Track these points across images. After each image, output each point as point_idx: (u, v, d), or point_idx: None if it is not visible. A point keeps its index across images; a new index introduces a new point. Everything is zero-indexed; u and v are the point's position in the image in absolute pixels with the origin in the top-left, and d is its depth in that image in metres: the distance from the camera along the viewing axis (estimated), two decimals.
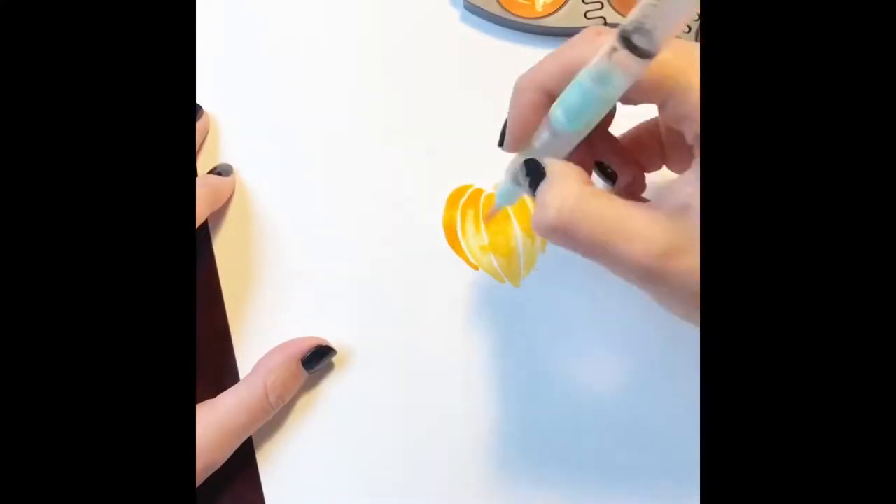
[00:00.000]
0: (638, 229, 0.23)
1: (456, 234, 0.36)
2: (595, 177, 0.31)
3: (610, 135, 0.30)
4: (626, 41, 0.21)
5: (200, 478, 0.31)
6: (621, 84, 0.23)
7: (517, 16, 0.39)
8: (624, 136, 0.31)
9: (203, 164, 0.38)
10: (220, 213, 0.37)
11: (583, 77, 0.23)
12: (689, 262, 0.23)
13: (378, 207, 0.37)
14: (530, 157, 0.26)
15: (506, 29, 0.39)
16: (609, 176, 0.31)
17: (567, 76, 0.25)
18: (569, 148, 0.26)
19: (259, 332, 0.35)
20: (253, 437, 0.33)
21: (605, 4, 0.38)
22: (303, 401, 0.34)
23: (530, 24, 0.39)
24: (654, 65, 0.22)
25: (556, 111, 0.25)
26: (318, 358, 0.33)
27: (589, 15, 0.38)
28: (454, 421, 0.34)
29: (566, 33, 0.39)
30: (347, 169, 0.37)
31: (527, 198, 0.33)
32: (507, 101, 0.38)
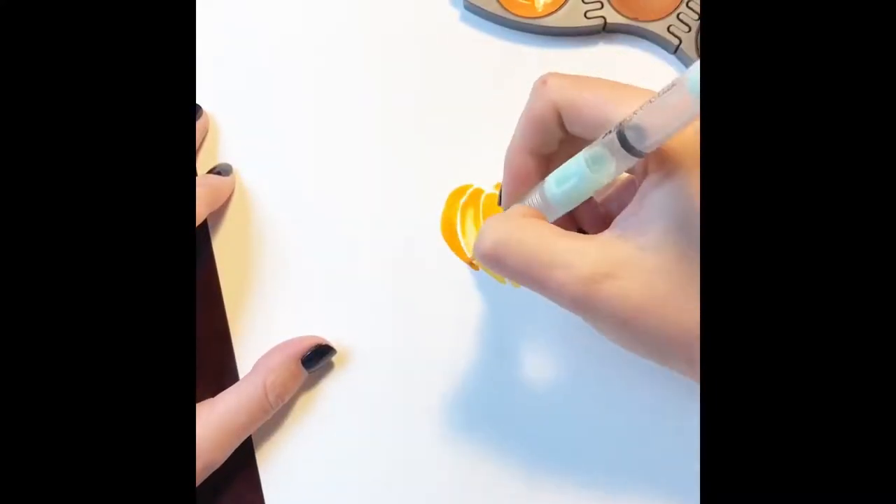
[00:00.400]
0: (563, 256, 0.24)
1: (456, 234, 0.36)
2: None
3: (592, 205, 0.31)
4: (622, 138, 0.23)
5: (200, 477, 0.31)
6: (612, 172, 0.25)
7: (517, 16, 0.39)
8: (606, 198, 0.32)
9: (203, 164, 0.38)
10: (219, 213, 0.37)
11: (580, 160, 0.25)
12: (614, 287, 0.23)
13: (378, 207, 0.37)
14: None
15: (506, 29, 0.39)
16: None
17: (537, 130, 0.27)
18: (556, 215, 0.27)
19: (259, 332, 0.35)
20: (253, 437, 0.33)
21: (605, 4, 0.38)
22: (302, 401, 0.34)
23: (530, 24, 0.39)
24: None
25: (552, 185, 0.26)
26: (317, 357, 0.33)
27: (589, 15, 0.38)
28: (454, 421, 0.34)
29: (566, 33, 0.39)
30: (347, 169, 0.37)
31: None
32: (507, 101, 0.38)
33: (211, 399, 0.32)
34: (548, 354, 0.34)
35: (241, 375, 0.34)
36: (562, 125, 0.27)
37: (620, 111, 0.24)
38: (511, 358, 0.34)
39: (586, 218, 0.31)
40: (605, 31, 0.39)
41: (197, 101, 0.38)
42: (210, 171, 0.37)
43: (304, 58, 0.39)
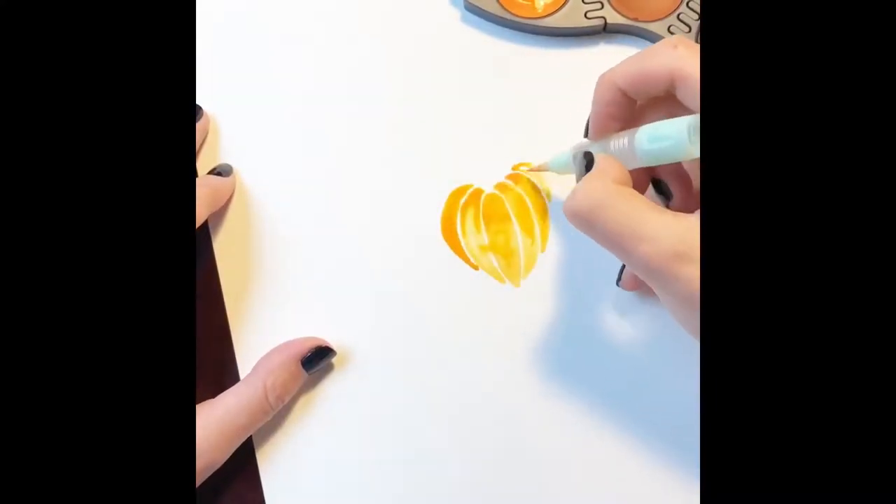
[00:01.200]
0: (650, 232, 0.25)
1: (456, 234, 0.36)
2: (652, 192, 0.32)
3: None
4: None
5: (200, 478, 0.31)
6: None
7: (517, 16, 0.39)
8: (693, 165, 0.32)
9: (203, 164, 0.38)
10: (220, 214, 0.37)
11: (682, 127, 0.25)
12: (690, 269, 0.24)
13: (378, 207, 0.37)
14: (592, 150, 0.29)
15: (506, 29, 0.39)
16: (664, 193, 0.32)
17: (641, 80, 0.27)
18: (637, 166, 0.28)
19: (259, 332, 0.35)
20: (253, 437, 0.33)
21: (606, 4, 0.38)
22: (303, 401, 0.34)
23: (530, 24, 0.39)
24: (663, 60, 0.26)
25: (644, 141, 0.27)
26: (317, 359, 0.33)
27: (589, 15, 0.38)
28: (454, 421, 0.34)
29: (566, 33, 0.39)
30: (347, 169, 0.37)
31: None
32: (507, 101, 0.38)
33: (211, 400, 0.32)
34: (548, 355, 0.34)
35: (241, 375, 0.34)
36: (668, 91, 0.27)
37: None
38: (511, 358, 0.34)
39: (665, 169, 0.31)
40: (606, 31, 0.39)
41: (197, 102, 0.38)
42: (210, 172, 0.37)
43: (305, 58, 0.39)
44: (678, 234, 0.25)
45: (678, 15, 0.38)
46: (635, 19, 0.38)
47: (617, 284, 0.34)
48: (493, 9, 0.39)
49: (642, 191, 0.31)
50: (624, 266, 0.33)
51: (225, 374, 0.35)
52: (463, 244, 0.36)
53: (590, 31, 0.39)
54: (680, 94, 0.27)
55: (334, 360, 0.34)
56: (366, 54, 0.39)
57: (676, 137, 0.26)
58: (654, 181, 0.32)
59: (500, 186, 0.37)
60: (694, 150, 0.25)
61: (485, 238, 0.36)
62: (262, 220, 0.37)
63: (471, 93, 0.38)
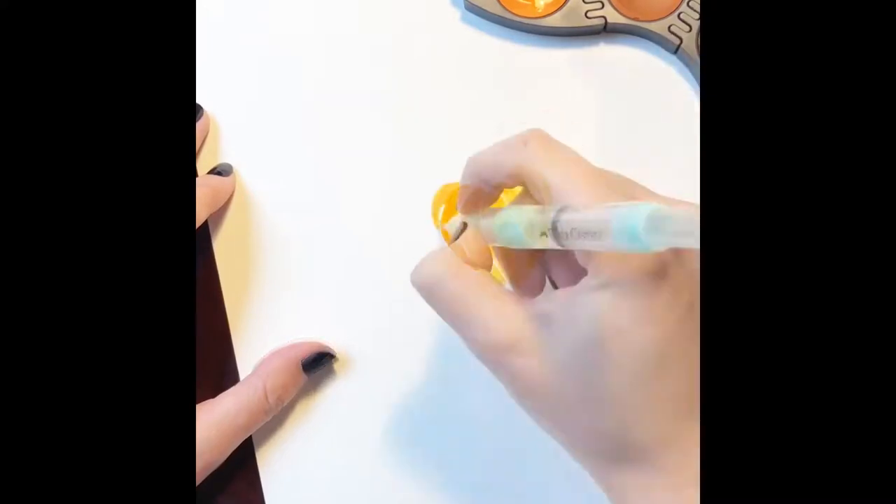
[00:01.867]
0: (481, 319, 0.25)
1: None
2: None
3: (563, 257, 0.29)
4: (554, 226, 0.22)
5: (200, 477, 0.31)
6: (544, 245, 0.24)
7: (517, 16, 0.39)
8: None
9: (203, 164, 0.38)
10: (220, 214, 0.37)
11: (516, 224, 0.25)
12: (519, 363, 0.24)
13: (378, 207, 0.37)
14: (466, 221, 0.28)
15: (506, 29, 0.39)
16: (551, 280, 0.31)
17: (494, 173, 0.26)
18: (497, 245, 0.27)
19: (259, 332, 0.35)
20: (253, 437, 0.33)
21: (606, 4, 0.38)
22: (303, 401, 0.34)
23: (530, 24, 0.39)
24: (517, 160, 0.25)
25: (493, 228, 0.26)
26: (318, 363, 0.33)
27: (589, 15, 0.38)
28: (453, 422, 0.34)
29: (567, 33, 0.39)
30: (347, 169, 0.37)
31: None
32: (507, 101, 0.38)
33: (210, 401, 0.32)
34: None
35: (241, 376, 0.34)
36: (522, 184, 0.26)
37: (574, 200, 0.23)
38: None
39: (556, 271, 0.29)
40: (606, 31, 0.39)
41: (198, 102, 0.38)
42: (210, 172, 0.37)
43: (305, 57, 0.39)
44: (513, 323, 0.24)
45: (679, 14, 0.38)
46: (636, 19, 0.38)
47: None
48: (494, 8, 0.39)
49: (539, 286, 0.29)
50: None
51: (225, 374, 0.35)
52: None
53: (590, 31, 0.39)
54: (532, 191, 0.26)
55: (337, 366, 0.34)
56: (366, 54, 0.39)
57: (516, 229, 0.25)
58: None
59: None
60: (531, 243, 0.24)
61: None
62: (263, 220, 0.37)
63: (470, 92, 0.38)
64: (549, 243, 0.23)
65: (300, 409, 0.34)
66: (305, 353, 0.33)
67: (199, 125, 0.37)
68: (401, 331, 0.35)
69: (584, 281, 0.23)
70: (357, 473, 0.33)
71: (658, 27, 0.38)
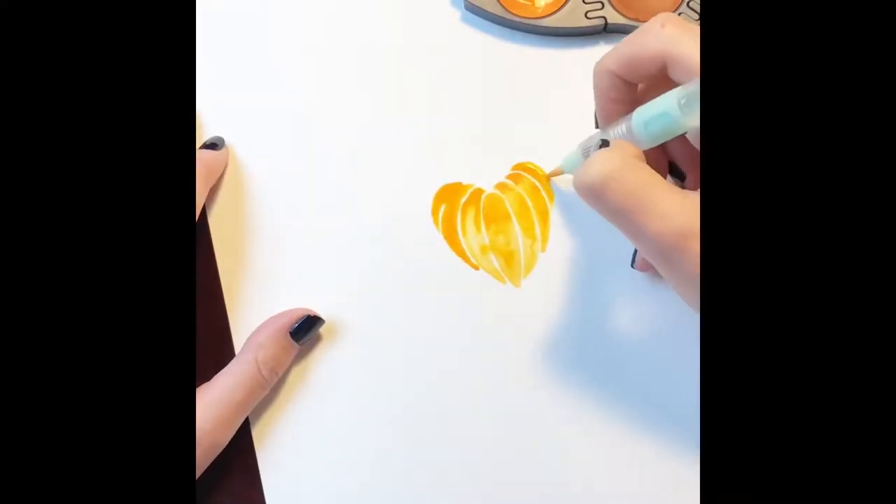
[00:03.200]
0: (660, 207, 0.24)
1: (456, 234, 0.36)
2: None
3: (684, 139, 0.31)
4: None
5: (205, 460, 0.31)
6: (699, 117, 0.24)
7: (517, 16, 0.39)
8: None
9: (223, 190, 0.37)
10: (220, 210, 0.37)
11: (672, 101, 0.25)
12: (700, 247, 0.24)
13: (378, 207, 0.37)
14: (606, 138, 0.28)
15: (506, 29, 0.39)
16: (679, 175, 0.32)
17: (634, 65, 0.27)
18: (641, 148, 0.27)
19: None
20: (253, 435, 0.33)
21: (606, 4, 0.38)
22: (303, 400, 0.34)
23: (530, 24, 0.39)
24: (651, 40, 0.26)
25: (640, 124, 0.27)
26: (306, 328, 0.33)
27: (589, 15, 0.38)
28: (454, 421, 0.34)
29: (567, 33, 0.39)
30: (348, 168, 0.37)
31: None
32: (507, 101, 0.38)
33: (206, 383, 0.32)
34: (548, 355, 0.34)
35: None
36: (662, 71, 0.27)
37: None
38: (511, 358, 0.34)
39: (677, 151, 0.31)
40: (606, 31, 0.39)
41: (219, 134, 0.37)
42: (203, 146, 0.36)
43: (304, 57, 0.39)
44: (689, 211, 0.24)
45: (679, 15, 0.38)
46: (636, 19, 0.38)
47: (631, 266, 0.34)
48: (494, 9, 0.39)
49: (662, 174, 0.31)
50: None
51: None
52: (463, 244, 0.36)
53: (590, 31, 0.39)
54: (672, 74, 0.26)
55: (336, 363, 0.34)
56: (366, 54, 0.39)
57: (668, 113, 0.25)
58: (670, 164, 0.32)
59: (501, 186, 0.37)
60: (688, 122, 0.25)
61: (485, 238, 0.36)
62: (263, 219, 0.37)
63: (470, 93, 0.38)
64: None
65: (300, 407, 0.34)
66: (292, 320, 0.33)
67: (217, 157, 0.36)
68: (401, 331, 0.35)
69: None
70: (357, 471, 0.33)
71: None
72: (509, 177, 0.37)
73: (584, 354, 0.34)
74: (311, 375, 0.34)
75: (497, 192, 0.37)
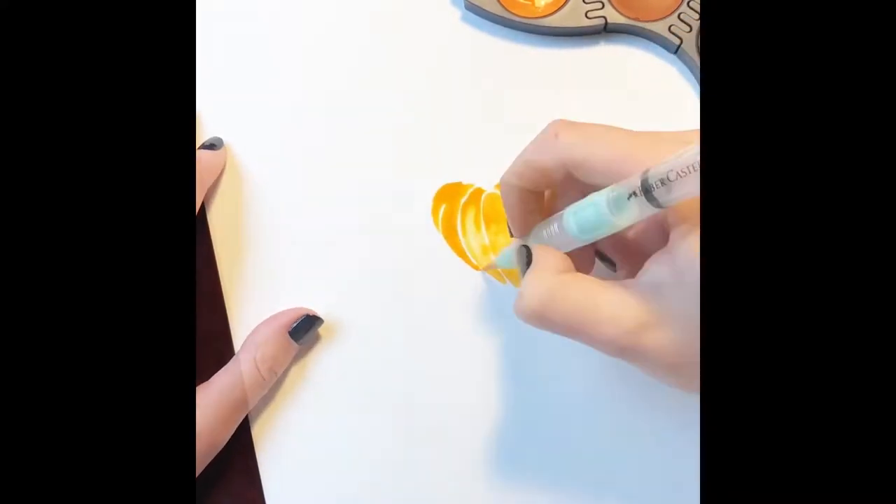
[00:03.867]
0: (605, 313, 0.25)
1: (457, 234, 0.36)
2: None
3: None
4: (646, 189, 0.23)
5: (204, 459, 0.31)
6: (632, 218, 0.24)
7: (517, 15, 0.39)
8: (631, 228, 0.31)
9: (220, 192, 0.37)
10: (220, 212, 0.37)
11: (601, 201, 0.25)
12: (658, 337, 0.24)
13: (378, 207, 0.37)
14: (526, 244, 0.28)
15: (506, 29, 0.39)
16: (610, 263, 0.32)
17: (538, 177, 0.27)
18: (572, 247, 0.27)
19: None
20: (253, 435, 0.33)
21: (606, 4, 0.38)
22: (303, 400, 0.34)
23: (530, 24, 0.39)
24: None
25: (571, 222, 0.26)
26: (305, 328, 0.33)
27: (590, 15, 0.38)
28: (456, 421, 0.34)
29: (567, 33, 0.39)
30: (349, 168, 0.37)
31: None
32: (508, 101, 0.38)
33: (205, 382, 0.32)
34: (549, 354, 0.34)
35: None
36: (568, 176, 0.26)
37: (638, 166, 0.23)
38: (512, 358, 0.34)
39: (607, 243, 0.31)
40: (606, 31, 0.39)
41: (218, 135, 0.38)
42: (201, 147, 0.36)
43: (305, 57, 0.39)
44: (634, 306, 0.24)
45: (679, 14, 0.38)
46: (636, 19, 0.38)
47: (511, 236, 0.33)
48: (494, 8, 0.39)
49: (591, 265, 0.31)
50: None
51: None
52: (464, 244, 0.36)
53: (590, 31, 0.39)
54: (582, 178, 0.26)
55: (335, 362, 0.34)
56: (366, 53, 0.39)
57: (598, 214, 0.25)
58: (598, 254, 0.31)
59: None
60: (618, 221, 0.24)
61: (485, 238, 0.36)
62: (263, 219, 0.37)
63: (471, 92, 0.38)
64: (635, 211, 0.23)
65: (301, 407, 0.34)
66: (291, 319, 0.33)
67: (215, 157, 0.36)
68: (402, 331, 0.35)
69: (674, 234, 0.24)
70: (357, 471, 0.33)
71: (658, 27, 0.38)
72: None
73: (584, 354, 0.34)
74: (311, 375, 0.34)
75: (497, 191, 0.37)
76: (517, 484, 0.33)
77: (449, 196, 0.37)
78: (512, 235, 0.30)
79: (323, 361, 0.34)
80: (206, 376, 0.32)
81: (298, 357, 0.35)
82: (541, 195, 0.29)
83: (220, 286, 0.36)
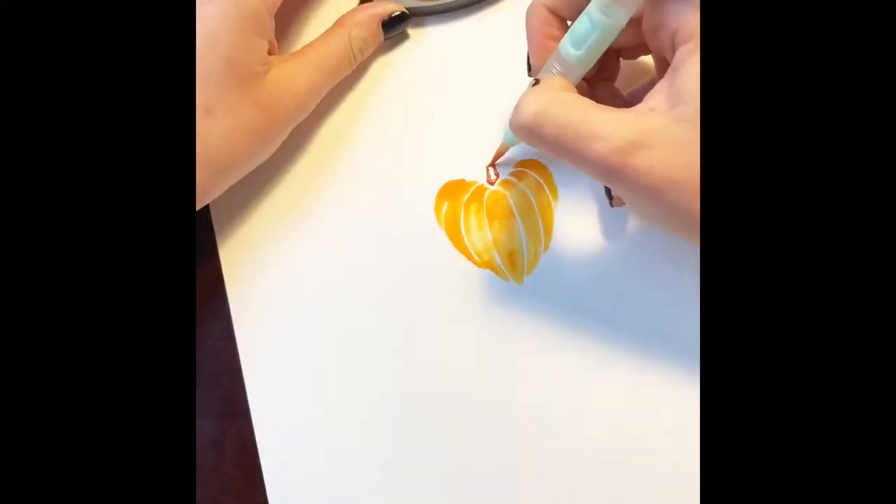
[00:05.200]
0: (597, 130, 0.25)
1: (459, 231, 0.36)
2: None
3: (614, 88, 0.32)
4: None
5: (297, 118, 0.34)
6: (626, 11, 0.25)
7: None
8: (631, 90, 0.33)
9: None
10: (222, 213, 0.37)
11: (590, 7, 0.26)
12: (648, 156, 0.24)
13: (379, 205, 0.37)
14: (537, 79, 0.28)
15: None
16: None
17: None
18: (578, 77, 0.28)
19: (261, 331, 0.35)
20: (256, 436, 0.33)
21: None
22: (306, 398, 0.34)
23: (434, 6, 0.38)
24: None
25: (568, 46, 0.27)
26: (396, 22, 0.36)
27: None
28: (457, 419, 0.34)
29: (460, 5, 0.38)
30: (349, 166, 0.37)
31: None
32: (510, 99, 0.38)
33: (299, 50, 0.34)
34: (550, 353, 0.34)
35: (244, 377, 0.34)
36: None
37: None
38: (514, 357, 0.34)
39: (608, 103, 0.32)
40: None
41: None
42: None
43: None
44: (629, 125, 0.24)
45: None
46: None
47: (610, 204, 0.34)
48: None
49: None
50: None
51: (225, 373, 0.35)
52: (466, 241, 0.36)
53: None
54: None
55: (339, 360, 0.34)
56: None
57: (593, 22, 0.26)
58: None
59: (504, 183, 0.37)
60: (613, 23, 0.26)
61: (488, 235, 0.36)
62: (266, 217, 0.37)
63: (472, 90, 0.38)
64: (629, 3, 0.25)
65: (303, 407, 0.34)
66: (386, 11, 0.36)
67: None
68: (405, 329, 0.35)
69: (679, 53, 0.24)
70: (360, 470, 0.33)
71: None
72: (513, 174, 0.37)
73: (587, 353, 0.34)
74: (314, 373, 0.34)
75: (500, 189, 0.37)
76: (518, 484, 0.33)
77: (452, 193, 0.37)
78: (528, 73, 0.31)
79: (326, 358, 0.35)
80: (207, 376, 0.32)
81: (299, 355, 0.34)
82: (564, 24, 0.30)
83: (223, 284, 0.36)
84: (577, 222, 0.36)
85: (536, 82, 0.28)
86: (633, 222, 0.35)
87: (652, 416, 0.33)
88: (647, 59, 0.34)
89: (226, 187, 0.33)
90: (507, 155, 0.37)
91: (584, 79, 0.30)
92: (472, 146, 0.37)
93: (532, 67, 0.31)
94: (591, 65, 0.28)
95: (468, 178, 0.37)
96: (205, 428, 0.34)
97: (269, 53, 0.33)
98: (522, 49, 0.38)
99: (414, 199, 0.37)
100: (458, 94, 0.38)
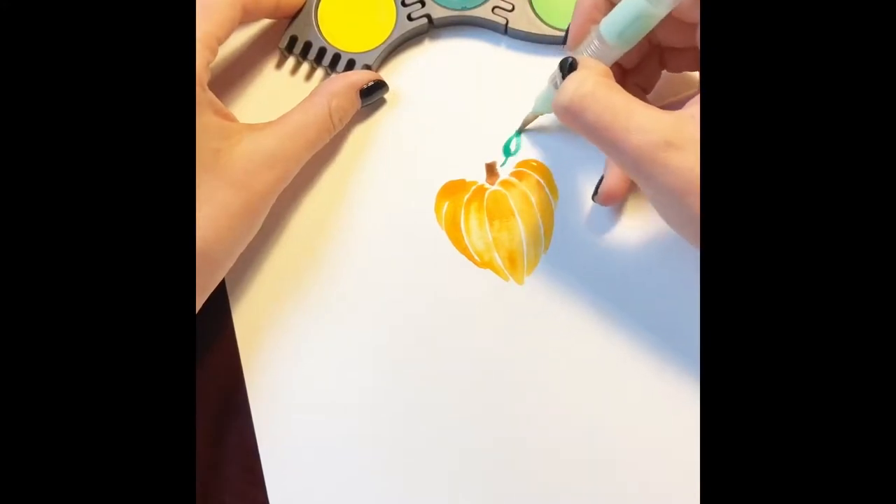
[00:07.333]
0: (637, 122, 0.26)
1: (460, 232, 0.36)
2: None
3: (645, 98, 0.33)
4: None
5: (279, 188, 0.33)
6: (667, 3, 0.26)
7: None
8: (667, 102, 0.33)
9: None
10: None
11: None
12: (681, 157, 0.25)
13: (380, 205, 0.37)
14: (575, 56, 0.29)
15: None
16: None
17: None
18: (611, 59, 0.29)
19: (262, 332, 0.35)
20: (257, 435, 0.33)
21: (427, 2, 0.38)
22: (306, 398, 0.34)
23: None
24: None
25: (605, 22, 0.28)
26: (375, 90, 0.36)
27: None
28: (457, 418, 0.34)
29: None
30: (349, 165, 0.37)
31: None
32: (513, 99, 0.38)
33: (280, 118, 0.34)
34: (550, 353, 0.34)
35: (245, 380, 0.34)
36: None
37: None
38: (514, 357, 0.34)
39: (642, 76, 0.33)
40: (434, 26, 0.39)
41: None
42: None
43: None
44: (667, 124, 0.25)
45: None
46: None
47: (593, 199, 0.35)
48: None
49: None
50: (601, 180, 0.34)
51: (229, 376, 0.35)
52: (467, 241, 0.36)
53: (417, 33, 0.39)
54: None
55: (339, 360, 0.34)
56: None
57: (637, 5, 0.27)
58: None
59: (505, 184, 0.37)
60: (654, 10, 0.26)
61: (489, 235, 0.36)
62: (267, 217, 0.37)
63: (473, 90, 0.38)
64: None
65: (303, 407, 0.34)
66: (364, 79, 0.36)
67: None
68: (404, 328, 0.35)
69: None
70: (360, 471, 0.33)
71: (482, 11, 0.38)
72: (513, 174, 0.37)
73: (587, 353, 0.34)
74: (315, 372, 0.34)
75: (501, 189, 0.37)
76: (518, 483, 0.33)
77: (452, 193, 0.37)
78: (564, 43, 0.32)
79: (327, 358, 0.35)
80: (208, 375, 0.32)
81: (300, 354, 0.34)
82: (610, 4, 0.30)
83: (223, 284, 0.36)
84: (577, 222, 0.36)
85: (571, 63, 0.28)
86: (633, 223, 0.35)
87: (652, 415, 0.33)
88: (692, 76, 0.35)
89: (223, 275, 0.33)
90: (507, 157, 0.37)
91: (621, 82, 0.30)
92: (472, 146, 0.37)
93: (568, 43, 0.32)
94: (626, 50, 0.29)
95: (468, 178, 0.37)
96: (205, 428, 0.34)
97: (226, 118, 0.33)
98: (523, 49, 0.39)
99: (414, 199, 0.37)
100: (458, 95, 0.38)
